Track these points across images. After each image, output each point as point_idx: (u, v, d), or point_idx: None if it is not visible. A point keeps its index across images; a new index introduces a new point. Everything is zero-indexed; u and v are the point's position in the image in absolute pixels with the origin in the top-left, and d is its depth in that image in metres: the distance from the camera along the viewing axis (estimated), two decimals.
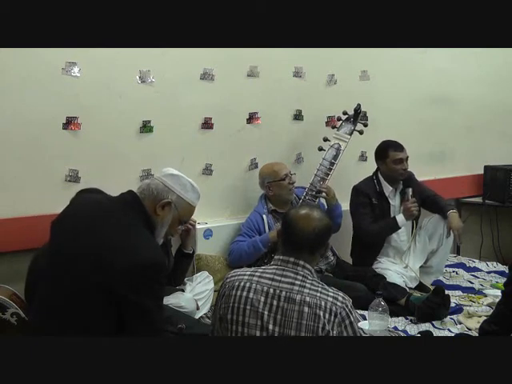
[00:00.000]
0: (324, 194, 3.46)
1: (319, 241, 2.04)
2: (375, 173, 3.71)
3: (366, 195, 3.61)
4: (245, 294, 1.99)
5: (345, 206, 3.72)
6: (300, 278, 1.98)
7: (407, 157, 3.63)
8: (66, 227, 1.99)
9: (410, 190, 3.60)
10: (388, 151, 3.61)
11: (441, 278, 3.82)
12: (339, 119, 3.70)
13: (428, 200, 3.76)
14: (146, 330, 1.89)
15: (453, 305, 3.19)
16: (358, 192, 3.65)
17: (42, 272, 1.98)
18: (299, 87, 3.84)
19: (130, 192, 2.08)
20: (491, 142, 4.76)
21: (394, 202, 3.69)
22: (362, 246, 3.67)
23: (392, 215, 3.63)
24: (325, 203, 3.57)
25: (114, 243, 1.88)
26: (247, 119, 3.69)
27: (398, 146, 3.62)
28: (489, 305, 3.20)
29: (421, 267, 3.71)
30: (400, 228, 3.57)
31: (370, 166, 3.84)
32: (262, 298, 1.97)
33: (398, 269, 3.59)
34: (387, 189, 3.66)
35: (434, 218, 3.76)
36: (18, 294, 2.37)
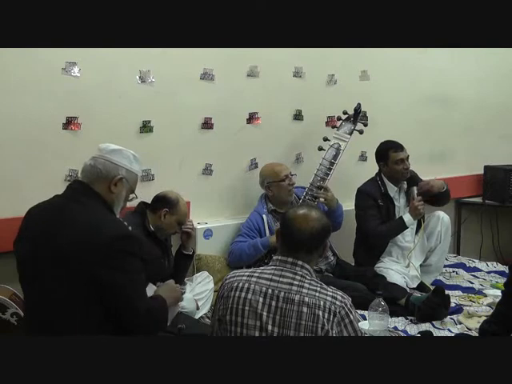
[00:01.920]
0: (322, 199, 3.46)
1: (317, 241, 2.04)
2: (378, 174, 3.71)
3: (373, 197, 3.61)
4: (243, 294, 1.98)
5: (346, 206, 3.72)
6: (298, 278, 1.97)
7: (407, 156, 3.63)
8: (30, 238, 2.01)
9: (415, 188, 3.61)
10: (388, 152, 3.62)
11: (441, 278, 3.82)
12: (339, 119, 3.70)
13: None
14: (126, 307, 1.91)
15: (453, 305, 3.19)
16: (363, 194, 3.65)
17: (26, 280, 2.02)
18: (299, 87, 3.84)
19: (76, 181, 2.13)
20: (491, 142, 4.76)
21: (399, 202, 3.69)
22: (366, 248, 3.66)
23: (397, 216, 3.63)
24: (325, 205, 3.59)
25: (78, 231, 1.91)
26: (247, 119, 3.69)
27: (397, 147, 3.62)
28: (489, 305, 3.20)
29: (420, 266, 3.72)
30: (408, 228, 3.57)
31: (370, 166, 3.84)
32: (261, 299, 1.96)
33: (399, 268, 3.59)
34: (392, 189, 3.66)
35: (431, 217, 3.76)
36: (17, 294, 2.37)
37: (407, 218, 3.53)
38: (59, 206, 2.02)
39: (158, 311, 2.06)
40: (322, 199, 3.45)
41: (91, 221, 1.94)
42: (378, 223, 3.57)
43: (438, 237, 3.70)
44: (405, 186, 3.70)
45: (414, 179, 3.70)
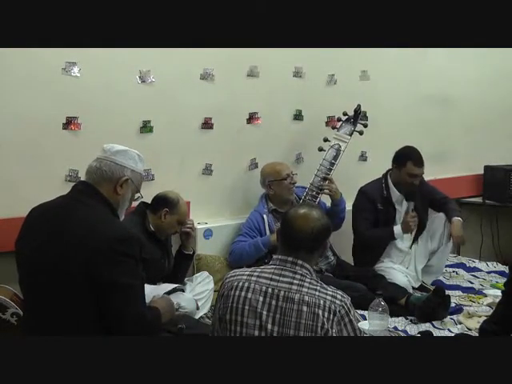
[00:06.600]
0: (327, 190, 3.47)
1: (317, 241, 2.04)
2: (385, 175, 3.65)
3: (372, 200, 3.57)
4: (243, 293, 1.98)
5: (346, 206, 3.72)
6: (298, 277, 1.98)
7: (423, 173, 3.54)
8: (32, 238, 2.00)
9: (412, 204, 3.56)
10: (407, 162, 3.49)
11: (441, 277, 3.81)
12: (339, 120, 3.69)
13: (437, 202, 3.73)
14: (125, 309, 1.89)
15: (453, 305, 3.19)
16: (363, 195, 3.62)
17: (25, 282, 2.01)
18: (299, 87, 3.84)
19: (81, 182, 2.11)
20: (491, 142, 4.76)
21: (401, 208, 3.62)
22: (362, 249, 3.66)
23: (398, 221, 3.58)
24: (327, 202, 3.58)
25: (79, 232, 1.90)
26: (247, 119, 3.69)
27: (418, 161, 3.49)
28: (489, 305, 3.21)
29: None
30: (395, 239, 3.55)
31: (370, 166, 3.84)
32: (261, 298, 1.96)
33: (401, 267, 3.58)
34: (395, 194, 3.60)
35: (434, 219, 3.74)
36: (18, 294, 2.37)
37: (397, 230, 3.50)
38: (62, 207, 2.02)
39: (150, 321, 2.01)
40: (326, 190, 3.46)
41: (93, 222, 1.93)
42: (367, 227, 3.55)
43: (441, 239, 3.66)
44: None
45: (413, 194, 3.58)
